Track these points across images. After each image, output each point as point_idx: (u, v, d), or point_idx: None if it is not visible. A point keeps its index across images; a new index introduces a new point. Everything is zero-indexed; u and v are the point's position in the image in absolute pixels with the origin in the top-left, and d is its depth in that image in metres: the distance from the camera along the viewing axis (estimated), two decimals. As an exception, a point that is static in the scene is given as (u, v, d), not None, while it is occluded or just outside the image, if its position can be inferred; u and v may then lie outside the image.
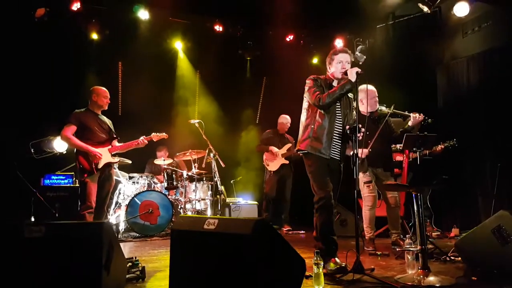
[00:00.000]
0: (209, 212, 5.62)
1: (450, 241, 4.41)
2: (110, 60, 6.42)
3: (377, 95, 4.00)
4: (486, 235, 2.68)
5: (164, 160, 5.84)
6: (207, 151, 5.44)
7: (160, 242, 4.58)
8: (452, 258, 3.24)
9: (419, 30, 5.97)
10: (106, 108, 4.30)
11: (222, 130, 6.83)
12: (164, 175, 5.63)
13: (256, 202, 6.19)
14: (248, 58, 7.49)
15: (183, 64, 7.04)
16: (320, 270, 2.32)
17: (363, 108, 3.83)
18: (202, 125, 5.40)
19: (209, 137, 5.41)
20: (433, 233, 4.89)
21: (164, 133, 4.61)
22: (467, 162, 5.32)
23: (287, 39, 7.06)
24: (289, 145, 5.80)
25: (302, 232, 5.52)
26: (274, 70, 7.12)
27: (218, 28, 6.64)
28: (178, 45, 6.87)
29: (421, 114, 3.80)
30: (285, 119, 5.95)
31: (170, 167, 5.72)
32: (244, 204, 6.04)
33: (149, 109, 6.16)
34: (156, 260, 3.27)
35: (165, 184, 5.57)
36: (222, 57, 6.84)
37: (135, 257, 2.56)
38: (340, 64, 3.03)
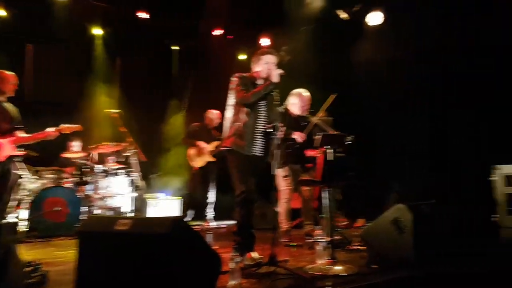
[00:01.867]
0: (125, 209, 5.34)
1: (357, 231, 4.81)
2: (18, 42, 5.76)
3: (309, 103, 4.20)
4: (386, 225, 2.98)
5: (76, 153, 5.40)
6: (126, 144, 5.16)
7: (67, 242, 4.23)
8: (359, 248, 3.55)
9: (340, 34, 6.37)
10: (13, 94, 3.86)
11: (145, 122, 6.55)
12: (75, 170, 5.21)
13: (178, 198, 6.01)
14: (175, 49, 7.29)
15: (103, 50, 6.58)
16: (237, 265, 2.38)
17: (294, 110, 4.18)
18: (122, 116, 5.12)
19: (130, 129, 5.14)
20: (341, 224, 5.26)
21: (77, 125, 4.26)
22: (378, 158, 5.88)
23: (215, 33, 7.02)
24: (217, 142, 5.41)
25: (224, 226, 5.57)
26: (202, 62, 7.04)
27: (142, 15, 6.34)
28: (98, 30, 6.42)
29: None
30: (214, 115, 5.66)
31: (83, 161, 5.30)
32: (165, 200, 5.84)
33: (63, 98, 5.66)
34: (61, 263, 3.04)
35: (76, 179, 5.15)
36: (146, 46, 6.59)
37: (36, 261, 2.35)
38: (267, 65, 3.13)
